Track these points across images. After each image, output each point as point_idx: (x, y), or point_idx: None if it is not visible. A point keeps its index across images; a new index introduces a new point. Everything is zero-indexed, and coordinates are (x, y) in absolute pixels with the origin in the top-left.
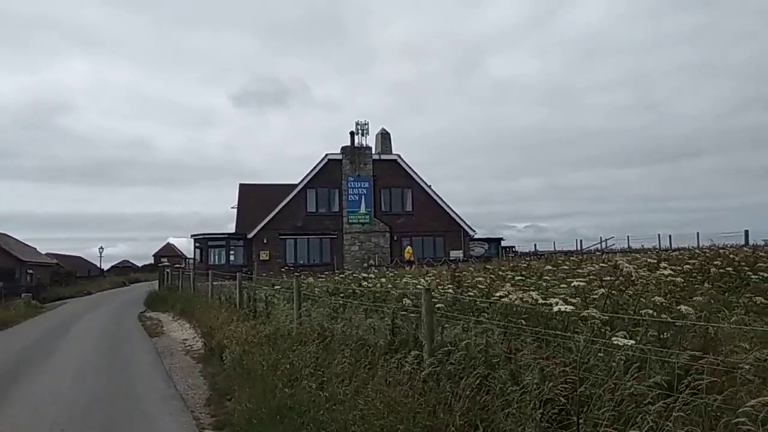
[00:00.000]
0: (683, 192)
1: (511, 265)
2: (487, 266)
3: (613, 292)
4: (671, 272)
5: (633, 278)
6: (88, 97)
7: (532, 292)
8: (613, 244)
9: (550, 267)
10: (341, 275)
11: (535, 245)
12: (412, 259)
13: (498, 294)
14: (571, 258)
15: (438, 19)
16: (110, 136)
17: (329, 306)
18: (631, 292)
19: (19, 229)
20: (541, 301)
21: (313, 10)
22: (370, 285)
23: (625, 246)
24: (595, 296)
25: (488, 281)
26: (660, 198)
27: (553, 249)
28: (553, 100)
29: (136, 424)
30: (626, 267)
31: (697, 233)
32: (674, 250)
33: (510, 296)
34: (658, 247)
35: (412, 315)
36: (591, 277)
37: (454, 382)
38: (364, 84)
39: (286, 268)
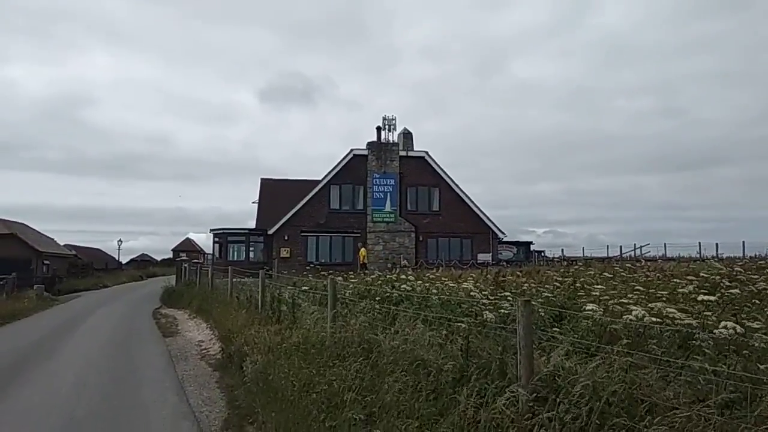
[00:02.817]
0: (704, 200)
1: (562, 270)
2: (523, 270)
3: None
4: None
5: None
6: (111, 91)
7: (634, 305)
8: (648, 251)
9: (608, 275)
10: (371, 276)
11: (562, 250)
12: (365, 261)
13: (586, 306)
14: (625, 265)
15: (460, 21)
16: (132, 131)
17: (372, 312)
18: None
19: (40, 221)
20: (680, 318)
21: (336, 9)
22: (408, 288)
23: (662, 253)
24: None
25: (553, 289)
26: (680, 206)
27: (582, 255)
28: (574, 104)
29: None
30: None
31: (743, 242)
32: (727, 259)
33: (635, 312)
34: (699, 255)
35: (499, 333)
36: (695, 286)
37: None
38: (385, 84)
39: (310, 266)
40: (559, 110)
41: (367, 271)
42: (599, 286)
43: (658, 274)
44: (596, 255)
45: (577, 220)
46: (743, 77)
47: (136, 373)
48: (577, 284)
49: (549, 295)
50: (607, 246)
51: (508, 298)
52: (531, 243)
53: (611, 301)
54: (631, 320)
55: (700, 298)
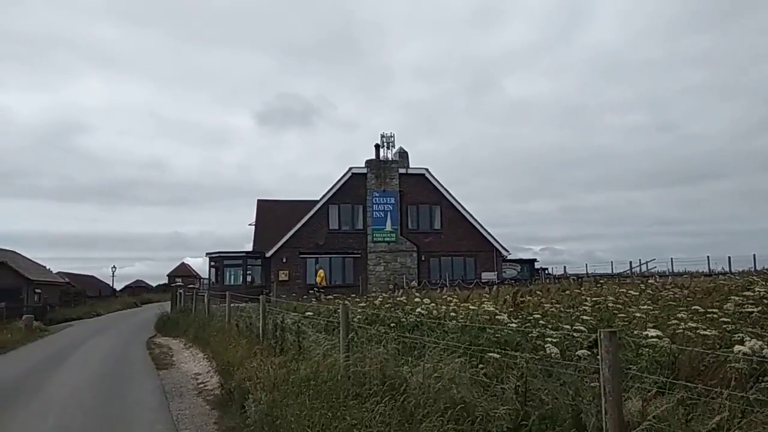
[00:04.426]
0: (697, 214)
1: (583, 288)
2: (533, 288)
3: None
4: None
5: None
6: (105, 117)
7: None
8: (654, 267)
9: (633, 292)
10: (379, 299)
11: (564, 267)
12: (324, 283)
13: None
14: (647, 282)
15: (451, 40)
16: (126, 156)
17: (390, 342)
18: None
19: (34, 248)
20: None
21: (327, 30)
22: (424, 311)
23: (665, 268)
24: None
25: (584, 311)
26: (674, 220)
27: (585, 272)
28: (567, 121)
29: None
30: None
31: (754, 255)
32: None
33: (749, 343)
34: (708, 270)
35: (566, 372)
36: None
37: None
38: (378, 104)
39: (313, 290)
40: (553, 127)
41: (322, 292)
42: (644, 307)
43: (685, 291)
44: (600, 272)
45: (572, 236)
46: (733, 90)
47: (127, 413)
48: (609, 304)
49: (587, 317)
50: (611, 262)
51: (541, 322)
52: (535, 260)
53: (681, 326)
54: (745, 354)
55: None
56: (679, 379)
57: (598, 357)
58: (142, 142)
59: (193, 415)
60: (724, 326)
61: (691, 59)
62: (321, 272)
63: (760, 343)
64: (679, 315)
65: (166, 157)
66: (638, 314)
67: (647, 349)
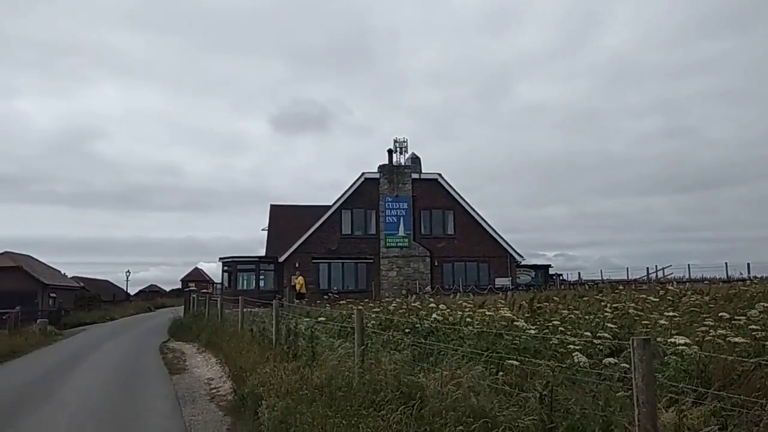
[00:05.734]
0: (714, 221)
1: (599, 295)
2: (548, 294)
3: None
4: None
5: None
6: (120, 123)
7: None
8: (671, 273)
9: (654, 299)
10: (393, 305)
11: (579, 273)
12: (303, 291)
13: None
14: (666, 288)
15: (464, 45)
16: (141, 162)
17: (406, 348)
18: None
19: (49, 253)
20: None
21: (341, 36)
22: (439, 317)
23: (682, 275)
24: None
25: (606, 318)
26: (689, 227)
27: (600, 278)
28: (581, 126)
29: None
30: None
31: None
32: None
33: None
34: (726, 277)
35: (591, 380)
36: None
37: None
38: (390, 109)
39: (327, 296)
40: (566, 132)
41: (305, 300)
42: (668, 314)
43: (706, 297)
44: (615, 278)
45: (586, 242)
46: (749, 96)
47: (139, 419)
48: (630, 311)
49: (611, 325)
50: (627, 268)
51: (560, 329)
52: (549, 266)
53: (711, 333)
54: None
55: None
56: (710, 388)
57: (625, 365)
58: (157, 148)
59: (206, 421)
60: (753, 333)
61: (705, 64)
62: (300, 279)
63: None
64: (706, 322)
65: (181, 163)
66: (662, 321)
67: (674, 357)
